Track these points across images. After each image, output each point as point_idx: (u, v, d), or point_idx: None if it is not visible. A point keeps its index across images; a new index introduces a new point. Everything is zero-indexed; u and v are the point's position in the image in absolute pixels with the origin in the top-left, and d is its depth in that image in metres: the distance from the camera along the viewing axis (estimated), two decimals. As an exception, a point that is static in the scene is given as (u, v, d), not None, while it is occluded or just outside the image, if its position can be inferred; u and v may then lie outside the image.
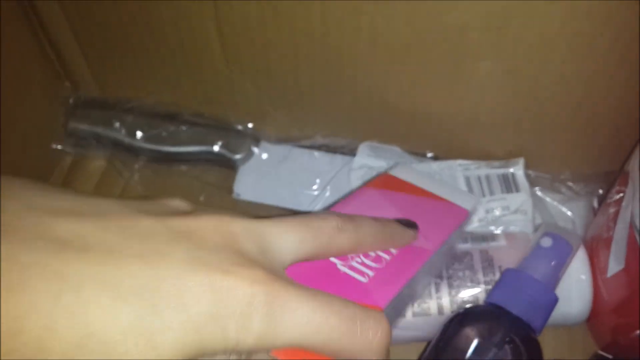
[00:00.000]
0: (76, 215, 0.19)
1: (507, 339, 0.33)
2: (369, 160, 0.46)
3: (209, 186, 0.47)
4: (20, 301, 0.16)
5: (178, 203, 0.22)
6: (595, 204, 0.44)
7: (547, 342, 0.39)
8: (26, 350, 0.16)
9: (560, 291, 0.36)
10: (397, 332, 0.38)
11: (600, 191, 0.44)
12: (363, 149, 0.46)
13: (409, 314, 0.38)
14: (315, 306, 0.20)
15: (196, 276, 0.19)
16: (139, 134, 0.48)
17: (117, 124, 0.48)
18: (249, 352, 0.19)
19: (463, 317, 0.35)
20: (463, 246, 0.40)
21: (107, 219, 0.19)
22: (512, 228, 0.42)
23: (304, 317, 0.20)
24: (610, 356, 0.37)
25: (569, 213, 0.44)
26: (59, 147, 0.50)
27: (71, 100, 0.50)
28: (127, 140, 0.48)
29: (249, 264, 0.20)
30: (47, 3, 0.44)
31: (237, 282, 0.19)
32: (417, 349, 0.39)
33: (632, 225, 0.34)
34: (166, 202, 0.22)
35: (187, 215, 0.21)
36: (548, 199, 0.44)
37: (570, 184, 0.44)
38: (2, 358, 0.15)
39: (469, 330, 0.34)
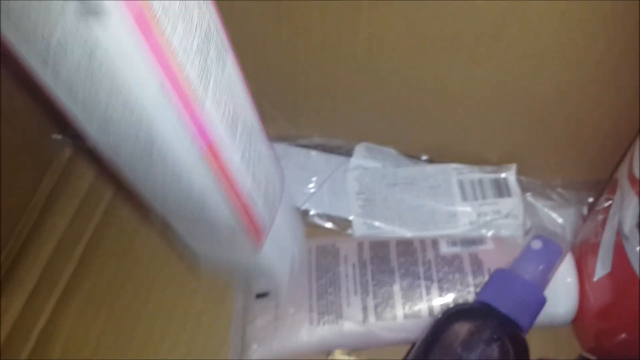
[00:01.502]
0: None
1: (495, 336, 0.34)
2: (364, 162, 0.47)
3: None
4: None
5: None
6: (585, 211, 0.45)
7: (534, 342, 0.39)
8: None
9: (547, 292, 0.36)
10: (388, 334, 0.39)
11: (590, 199, 0.45)
12: (359, 150, 0.47)
13: (400, 315, 0.39)
14: None
15: None
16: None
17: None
18: None
19: (452, 314, 0.36)
20: (452, 249, 0.41)
21: None
22: (503, 232, 0.43)
23: None
24: (594, 358, 0.38)
25: (559, 219, 0.45)
26: (59, 137, 0.50)
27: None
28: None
29: None
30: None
31: None
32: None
33: (619, 231, 0.35)
34: None
35: None
36: (539, 205, 0.45)
37: (561, 190, 0.45)
38: None
39: (457, 327, 0.35)
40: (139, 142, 0.23)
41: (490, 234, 0.43)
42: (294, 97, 0.46)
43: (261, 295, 0.42)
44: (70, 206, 0.49)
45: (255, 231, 0.27)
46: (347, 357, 0.37)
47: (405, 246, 0.41)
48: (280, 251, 0.36)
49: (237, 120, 0.26)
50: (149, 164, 0.24)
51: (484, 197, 0.44)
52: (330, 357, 0.38)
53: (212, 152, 0.23)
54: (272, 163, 0.31)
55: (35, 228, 0.48)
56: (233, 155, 0.25)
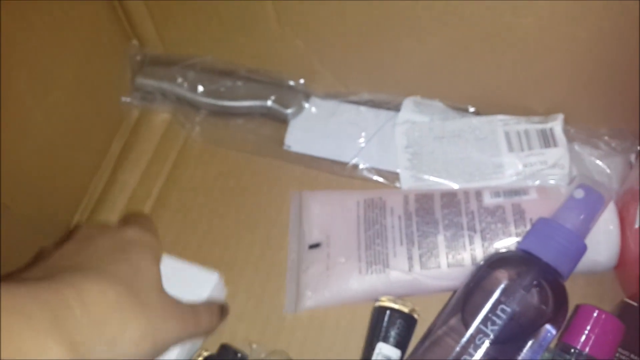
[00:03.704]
0: None
1: (535, 282, 0.35)
2: (412, 116, 0.48)
3: (262, 138, 0.50)
4: None
5: None
6: (633, 159, 0.45)
7: (578, 288, 0.41)
8: None
9: (589, 240, 0.37)
10: (432, 282, 0.41)
11: (639, 147, 0.45)
12: (407, 104, 0.48)
13: (443, 264, 0.41)
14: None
15: None
16: (199, 88, 0.52)
17: (180, 80, 0.52)
18: None
19: (494, 261, 0.38)
20: (496, 200, 0.42)
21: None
22: (550, 181, 0.44)
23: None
24: (636, 304, 0.39)
25: (607, 169, 0.45)
26: (128, 100, 0.54)
27: (138, 58, 0.54)
28: (189, 94, 0.52)
29: None
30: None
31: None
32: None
33: (660, 179, 0.36)
34: None
35: None
36: (586, 154, 0.45)
37: (608, 139, 0.45)
38: None
39: (498, 274, 0.37)
40: None
41: (536, 183, 0.44)
42: (343, 55, 0.48)
43: (313, 246, 0.44)
44: (139, 165, 0.53)
45: None
46: (393, 304, 0.40)
47: (450, 198, 0.43)
48: None
49: None
50: None
51: (530, 147, 0.45)
52: (378, 304, 0.40)
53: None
54: None
55: (107, 185, 0.52)
56: None
